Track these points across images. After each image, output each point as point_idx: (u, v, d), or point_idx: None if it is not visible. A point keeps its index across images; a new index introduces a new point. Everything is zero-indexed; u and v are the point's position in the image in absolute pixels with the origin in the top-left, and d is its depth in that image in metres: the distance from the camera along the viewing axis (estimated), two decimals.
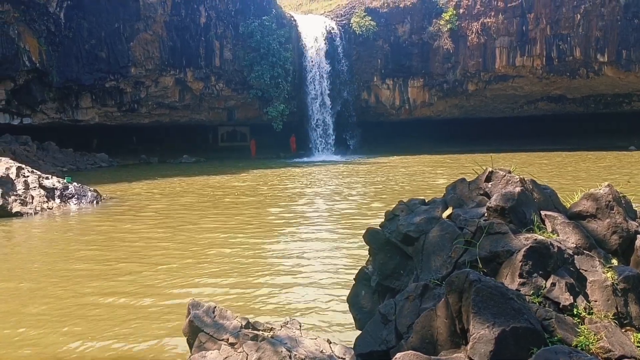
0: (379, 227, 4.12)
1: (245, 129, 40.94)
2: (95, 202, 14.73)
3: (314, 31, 37.42)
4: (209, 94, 35.00)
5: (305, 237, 9.64)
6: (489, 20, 36.89)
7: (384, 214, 4.27)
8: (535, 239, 2.94)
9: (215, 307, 4.34)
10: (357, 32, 37.75)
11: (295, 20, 37.40)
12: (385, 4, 38.11)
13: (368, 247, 4.15)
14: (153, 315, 5.82)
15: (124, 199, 15.72)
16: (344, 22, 38.37)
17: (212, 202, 14.66)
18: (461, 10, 37.47)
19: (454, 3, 37.55)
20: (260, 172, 24.14)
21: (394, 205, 4.28)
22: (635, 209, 3.99)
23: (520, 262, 2.85)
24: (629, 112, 40.29)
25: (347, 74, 38.55)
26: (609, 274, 2.93)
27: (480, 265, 3.11)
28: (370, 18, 37.69)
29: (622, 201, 3.67)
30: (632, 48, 34.20)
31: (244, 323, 4.22)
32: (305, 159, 34.28)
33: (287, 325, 4.47)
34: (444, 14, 37.55)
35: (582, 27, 35.04)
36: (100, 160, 32.01)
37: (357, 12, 38.13)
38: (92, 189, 15.36)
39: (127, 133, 36.06)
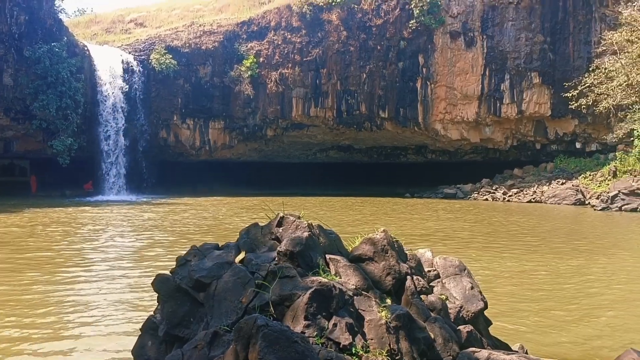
0: (169, 274, 3.97)
1: (26, 162, 36.77)
2: None
3: (109, 63, 35.53)
4: None
5: (86, 286, 8.86)
6: (286, 71, 39.05)
7: (175, 259, 4.13)
8: (320, 282, 3.09)
9: None
10: (157, 69, 36.83)
11: (88, 50, 35.18)
12: (187, 44, 38.01)
13: (157, 295, 3.95)
14: None
15: None
16: (142, 57, 37.18)
17: None
18: (261, 59, 39.05)
19: (254, 51, 38.99)
20: (36, 213, 21.66)
21: (186, 250, 4.17)
22: (406, 252, 4.46)
23: (305, 304, 2.96)
24: (405, 163, 45.80)
25: (145, 111, 37.21)
26: (383, 313, 3.19)
27: (271, 309, 3.16)
28: (170, 56, 37.14)
29: (395, 245, 4.07)
30: (407, 107, 39.02)
31: None
32: (95, 199, 31.88)
33: None
34: (244, 60, 38.71)
35: (367, 85, 39.04)
36: None
37: (157, 49, 37.29)
38: None
39: None
